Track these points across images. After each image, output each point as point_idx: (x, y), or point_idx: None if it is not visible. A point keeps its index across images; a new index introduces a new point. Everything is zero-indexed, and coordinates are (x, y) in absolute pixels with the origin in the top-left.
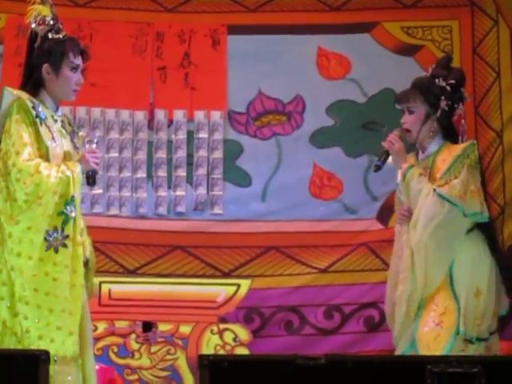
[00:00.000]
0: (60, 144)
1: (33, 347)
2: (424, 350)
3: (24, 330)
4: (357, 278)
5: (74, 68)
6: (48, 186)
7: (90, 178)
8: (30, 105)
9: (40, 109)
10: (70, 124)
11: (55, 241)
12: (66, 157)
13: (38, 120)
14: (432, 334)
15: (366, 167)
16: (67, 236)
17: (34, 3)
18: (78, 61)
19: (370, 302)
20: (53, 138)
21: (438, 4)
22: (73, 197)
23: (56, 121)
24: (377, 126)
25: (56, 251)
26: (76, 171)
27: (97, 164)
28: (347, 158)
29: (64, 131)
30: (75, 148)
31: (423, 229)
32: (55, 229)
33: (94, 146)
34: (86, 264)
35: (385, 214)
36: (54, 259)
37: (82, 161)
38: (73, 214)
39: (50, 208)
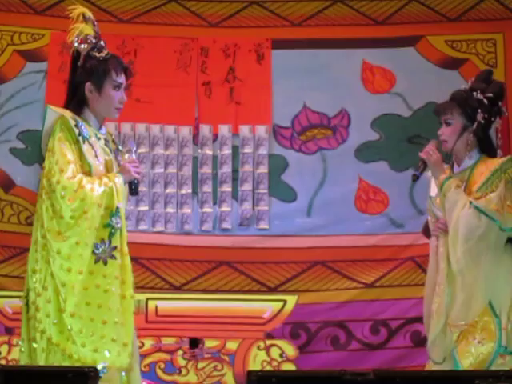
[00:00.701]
0: (103, 162)
1: (89, 361)
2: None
3: (79, 344)
4: (403, 292)
5: (117, 86)
6: (92, 199)
7: (133, 187)
8: (72, 123)
9: (83, 127)
10: (113, 142)
11: (103, 253)
12: (109, 168)
13: (80, 138)
14: (474, 352)
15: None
16: (115, 247)
17: (76, 21)
18: (121, 79)
19: (417, 316)
20: (96, 156)
21: (482, 17)
22: (117, 208)
23: (99, 138)
24: (422, 139)
25: (105, 263)
26: (118, 182)
27: (137, 173)
28: (393, 172)
29: (108, 149)
30: (119, 166)
31: (465, 242)
32: (102, 241)
33: (133, 155)
34: None
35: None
36: (104, 271)
37: (122, 171)
38: (119, 225)
39: (96, 221)
